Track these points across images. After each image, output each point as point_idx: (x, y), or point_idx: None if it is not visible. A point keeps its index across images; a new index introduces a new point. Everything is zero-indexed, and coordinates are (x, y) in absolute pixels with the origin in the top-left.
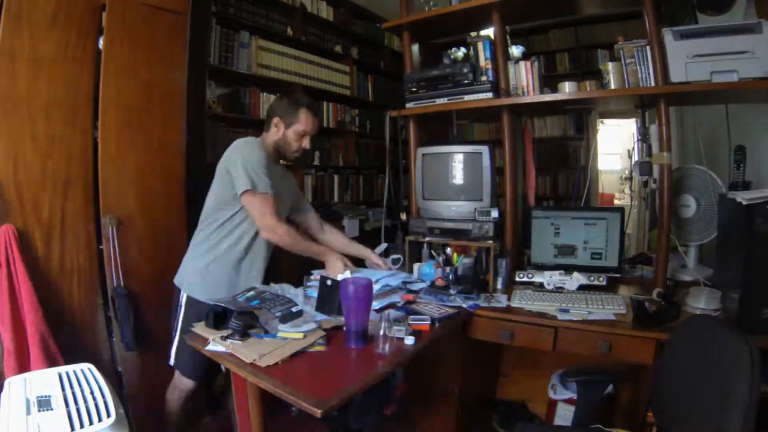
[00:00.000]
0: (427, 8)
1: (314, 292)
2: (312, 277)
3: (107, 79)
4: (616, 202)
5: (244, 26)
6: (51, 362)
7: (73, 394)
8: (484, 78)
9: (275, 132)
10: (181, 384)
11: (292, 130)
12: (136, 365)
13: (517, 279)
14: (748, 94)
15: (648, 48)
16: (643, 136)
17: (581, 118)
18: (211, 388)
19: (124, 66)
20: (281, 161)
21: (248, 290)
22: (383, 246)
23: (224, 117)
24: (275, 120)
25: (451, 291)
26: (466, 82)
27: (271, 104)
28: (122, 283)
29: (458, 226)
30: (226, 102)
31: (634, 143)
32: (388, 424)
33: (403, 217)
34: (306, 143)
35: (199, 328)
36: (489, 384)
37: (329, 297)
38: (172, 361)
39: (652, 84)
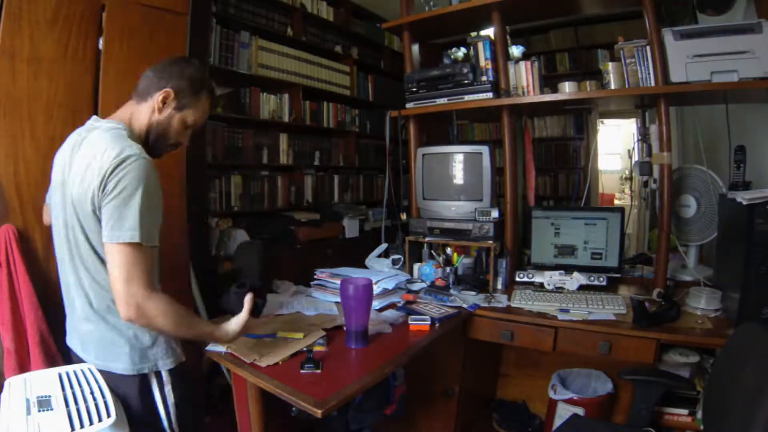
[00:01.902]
0: (427, 8)
1: (317, 293)
2: (316, 277)
3: (107, 82)
4: (616, 202)
5: (244, 26)
6: (51, 362)
7: (73, 394)
8: (484, 78)
9: (157, 110)
10: None
11: (182, 117)
12: None
13: (518, 279)
14: (748, 94)
15: (648, 48)
16: (643, 136)
17: (581, 118)
18: (211, 388)
19: (123, 67)
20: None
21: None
22: (383, 246)
23: (224, 117)
24: (165, 93)
25: (452, 291)
26: (466, 82)
27: (163, 67)
28: None
29: (458, 226)
30: (226, 102)
31: (634, 143)
32: (388, 424)
33: (403, 217)
34: (187, 139)
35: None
36: (489, 384)
37: None
38: None
39: (652, 84)
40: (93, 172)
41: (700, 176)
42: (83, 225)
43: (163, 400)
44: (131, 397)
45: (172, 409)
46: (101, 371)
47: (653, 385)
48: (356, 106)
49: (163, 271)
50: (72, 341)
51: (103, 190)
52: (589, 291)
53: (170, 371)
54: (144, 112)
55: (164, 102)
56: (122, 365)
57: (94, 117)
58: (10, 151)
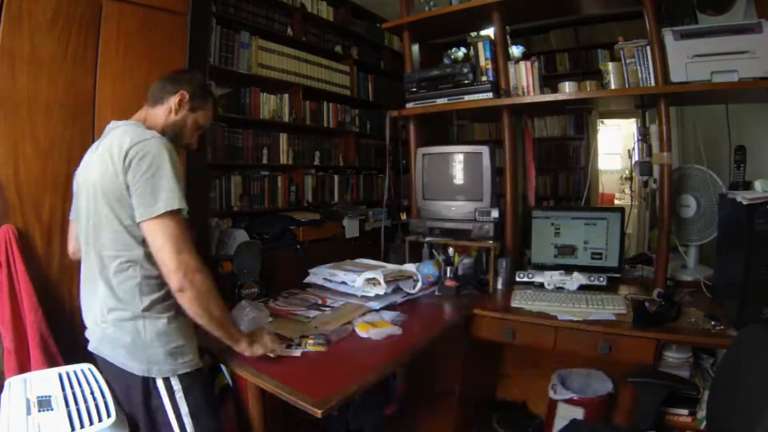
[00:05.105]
0: (427, 8)
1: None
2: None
3: (103, 82)
4: (616, 202)
5: (244, 26)
6: (51, 362)
7: (74, 394)
8: (484, 78)
9: (174, 110)
10: None
11: (194, 118)
12: None
13: (518, 279)
14: (748, 94)
15: (648, 48)
16: (644, 136)
17: (581, 118)
18: (211, 388)
19: (120, 68)
20: None
21: None
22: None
23: (224, 117)
24: (180, 95)
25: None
26: (466, 82)
27: (173, 75)
28: None
29: (458, 226)
30: (226, 102)
31: (634, 143)
32: (388, 424)
33: (404, 217)
34: (197, 141)
35: None
36: (489, 384)
37: None
38: None
39: (653, 84)
40: (114, 156)
41: (700, 176)
42: (117, 213)
43: (175, 409)
44: (136, 403)
45: (186, 420)
46: (121, 370)
47: (657, 388)
48: (356, 106)
49: None
50: (91, 335)
51: (128, 166)
52: (589, 291)
53: (182, 377)
54: (160, 114)
55: (180, 103)
56: (132, 363)
57: (112, 121)
58: (10, 151)
